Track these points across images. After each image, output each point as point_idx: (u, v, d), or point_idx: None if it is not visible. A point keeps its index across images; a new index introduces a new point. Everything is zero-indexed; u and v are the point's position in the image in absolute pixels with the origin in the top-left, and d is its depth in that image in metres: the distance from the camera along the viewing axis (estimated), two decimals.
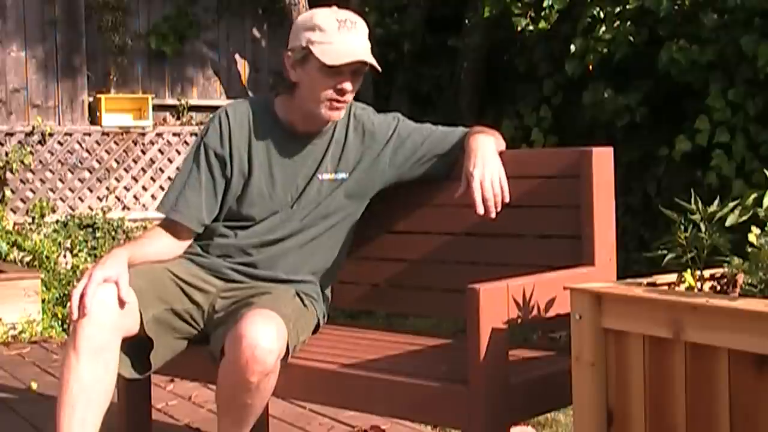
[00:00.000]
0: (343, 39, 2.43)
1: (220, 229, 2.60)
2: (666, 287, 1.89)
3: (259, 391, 2.25)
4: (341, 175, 2.61)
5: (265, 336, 2.19)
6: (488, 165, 2.41)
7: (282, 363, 2.31)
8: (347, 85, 2.47)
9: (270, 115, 2.60)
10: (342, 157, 2.61)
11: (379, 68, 2.50)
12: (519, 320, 2.10)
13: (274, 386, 2.30)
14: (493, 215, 2.38)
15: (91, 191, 7.37)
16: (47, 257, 6.58)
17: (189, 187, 2.56)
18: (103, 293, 2.27)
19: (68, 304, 2.30)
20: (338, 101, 2.48)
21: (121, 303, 2.29)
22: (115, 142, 7.45)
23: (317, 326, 2.63)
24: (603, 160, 2.38)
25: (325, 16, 2.46)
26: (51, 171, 7.22)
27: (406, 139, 2.63)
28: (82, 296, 2.26)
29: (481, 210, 2.36)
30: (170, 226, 2.57)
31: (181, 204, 2.55)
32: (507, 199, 2.40)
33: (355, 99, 2.62)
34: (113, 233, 7.24)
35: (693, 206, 1.88)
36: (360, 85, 2.57)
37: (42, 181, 7.18)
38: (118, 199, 7.45)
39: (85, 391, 2.23)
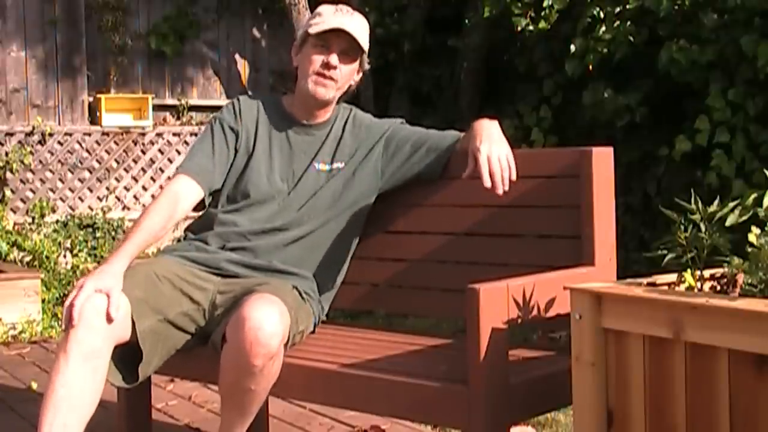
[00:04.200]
0: (335, 18, 2.61)
1: (219, 216, 2.64)
2: (666, 287, 1.89)
3: (263, 376, 2.26)
4: (337, 165, 2.69)
5: (268, 319, 2.20)
6: (495, 143, 2.43)
7: (282, 350, 2.30)
8: (333, 59, 2.61)
9: (278, 107, 2.76)
10: (338, 149, 2.71)
11: (365, 50, 2.65)
12: (519, 320, 2.10)
13: (274, 384, 2.30)
14: (500, 191, 2.37)
15: (91, 191, 7.37)
16: (47, 257, 6.59)
17: (202, 153, 2.67)
18: (98, 300, 2.26)
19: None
20: (324, 76, 2.61)
21: (108, 318, 2.26)
22: (115, 142, 7.45)
23: (314, 325, 2.63)
24: (603, 160, 2.38)
25: (326, 6, 2.65)
26: (51, 171, 7.22)
27: (400, 131, 2.74)
28: (71, 306, 2.24)
29: (488, 183, 2.36)
30: (183, 183, 2.60)
31: (193, 165, 2.64)
32: (515, 177, 2.40)
33: (356, 98, 2.66)
34: (113, 233, 7.24)
35: (693, 206, 1.88)
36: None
37: (42, 181, 7.18)
38: (118, 199, 7.45)
39: (71, 395, 2.21)
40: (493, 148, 2.40)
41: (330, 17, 2.60)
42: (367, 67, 2.72)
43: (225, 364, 2.28)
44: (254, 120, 2.71)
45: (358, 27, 2.62)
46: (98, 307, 2.26)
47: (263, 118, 2.72)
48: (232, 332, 2.23)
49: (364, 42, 2.63)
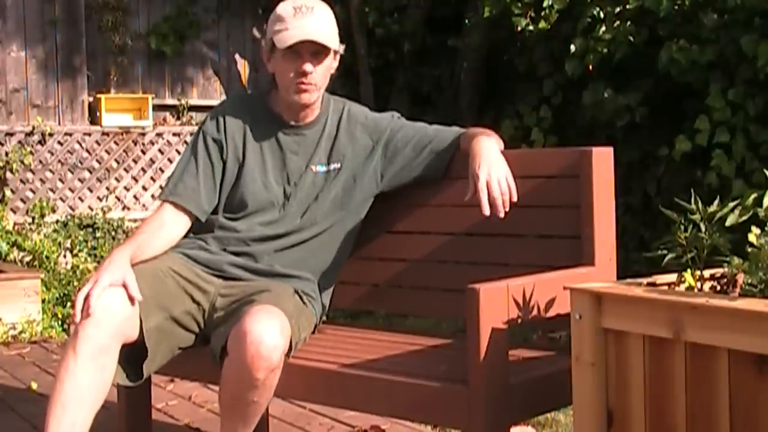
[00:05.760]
0: (296, 24, 2.53)
1: (220, 220, 2.63)
2: (666, 287, 1.89)
3: (265, 388, 2.26)
4: (334, 166, 2.65)
5: (269, 332, 2.20)
6: (494, 165, 2.41)
7: (283, 359, 2.31)
8: (307, 67, 2.55)
9: (265, 106, 2.69)
10: (334, 148, 2.66)
11: (336, 48, 2.58)
12: (519, 320, 2.10)
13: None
14: (501, 215, 2.37)
15: (91, 191, 7.37)
16: (47, 257, 6.58)
17: (187, 173, 2.61)
18: (107, 298, 2.27)
19: (70, 305, 2.29)
20: (302, 83, 2.56)
21: (132, 301, 2.29)
22: (115, 142, 7.45)
23: (315, 326, 2.63)
24: (603, 160, 2.38)
25: (284, 6, 2.57)
26: (51, 171, 7.22)
27: (399, 131, 2.69)
28: (86, 298, 2.25)
29: (486, 211, 2.36)
30: (169, 210, 2.58)
31: (179, 188, 2.59)
32: (515, 199, 2.40)
33: (356, 99, 2.65)
34: (113, 233, 7.24)
35: (693, 206, 1.88)
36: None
37: (42, 181, 7.18)
38: (118, 199, 7.45)
39: (79, 393, 2.21)
40: (492, 172, 2.39)
41: (292, 22, 2.52)
42: (341, 50, 2.62)
43: (227, 377, 2.28)
44: (241, 125, 2.65)
45: (323, 27, 2.54)
46: (108, 306, 2.26)
47: (251, 122, 2.65)
48: (234, 346, 2.23)
49: (333, 40, 2.55)
